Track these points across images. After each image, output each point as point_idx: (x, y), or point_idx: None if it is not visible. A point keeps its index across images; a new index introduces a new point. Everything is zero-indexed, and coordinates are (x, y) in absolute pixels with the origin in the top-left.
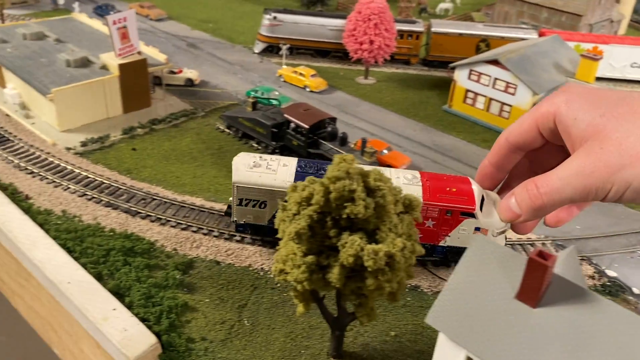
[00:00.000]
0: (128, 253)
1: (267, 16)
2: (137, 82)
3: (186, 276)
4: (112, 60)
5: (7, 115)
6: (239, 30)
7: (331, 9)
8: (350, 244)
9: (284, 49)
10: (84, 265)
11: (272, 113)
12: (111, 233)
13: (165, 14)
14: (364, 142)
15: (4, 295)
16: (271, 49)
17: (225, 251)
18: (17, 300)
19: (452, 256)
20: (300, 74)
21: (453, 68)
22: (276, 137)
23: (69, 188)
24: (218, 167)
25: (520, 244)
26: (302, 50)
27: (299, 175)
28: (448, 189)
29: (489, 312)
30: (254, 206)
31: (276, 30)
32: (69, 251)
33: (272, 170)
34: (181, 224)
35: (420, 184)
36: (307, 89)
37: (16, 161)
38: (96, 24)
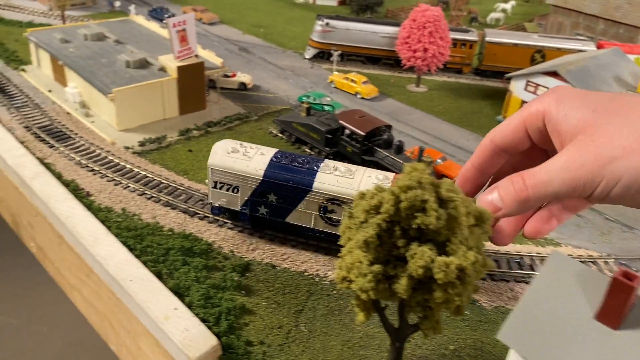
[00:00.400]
0: (187, 253)
1: (320, 22)
2: (194, 84)
3: (243, 278)
4: (170, 62)
5: (68, 113)
6: (289, 36)
7: (380, 17)
8: (420, 255)
9: (335, 55)
10: (144, 264)
11: (327, 119)
12: (170, 232)
13: (217, 17)
14: (421, 150)
15: (63, 290)
16: (322, 55)
17: (281, 255)
18: (75, 295)
19: None
20: (352, 81)
21: (509, 78)
22: (330, 143)
23: (128, 187)
24: None
25: (582, 262)
26: (353, 56)
27: (273, 165)
28: None
29: (566, 331)
30: (227, 190)
31: (328, 37)
32: (130, 249)
33: (248, 157)
34: (238, 226)
35: (391, 183)
36: (359, 96)
37: (77, 158)
38: (153, 26)
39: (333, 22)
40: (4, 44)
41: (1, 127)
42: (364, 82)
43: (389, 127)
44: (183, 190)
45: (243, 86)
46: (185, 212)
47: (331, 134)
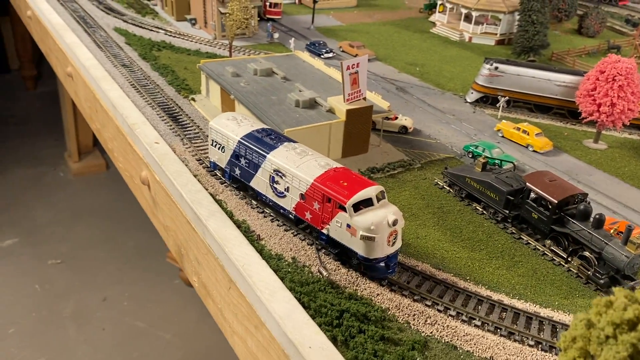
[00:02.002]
0: (362, 319)
1: (488, 66)
2: (360, 127)
3: (423, 357)
4: (339, 104)
5: None
6: (447, 76)
7: (543, 60)
8: None
9: (502, 102)
10: (319, 325)
11: (507, 177)
12: (341, 291)
13: (373, 54)
14: (629, 230)
15: (221, 331)
16: (485, 100)
17: (464, 335)
18: (236, 341)
19: (333, 247)
20: (524, 132)
21: None
22: (511, 205)
23: (298, 234)
24: (441, 230)
25: None
26: (520, 103)
27: (250, 134)
28: (341, 181)
29: None
30: (218, 149)
31: (495, 81)
32: (304, 307)
33: (237, 126)
34: (414, 294)
35: (325, 170)
36: (530, 149)
37: (247, 198)
38: (316, 63)
39: (503, 67)
40: (175, 72)
41: (177, 160)
42: (537, 134)
43: (585, 195)
44: None
45: (404, 129)
46: (356, 269)
47: (513, 195)
